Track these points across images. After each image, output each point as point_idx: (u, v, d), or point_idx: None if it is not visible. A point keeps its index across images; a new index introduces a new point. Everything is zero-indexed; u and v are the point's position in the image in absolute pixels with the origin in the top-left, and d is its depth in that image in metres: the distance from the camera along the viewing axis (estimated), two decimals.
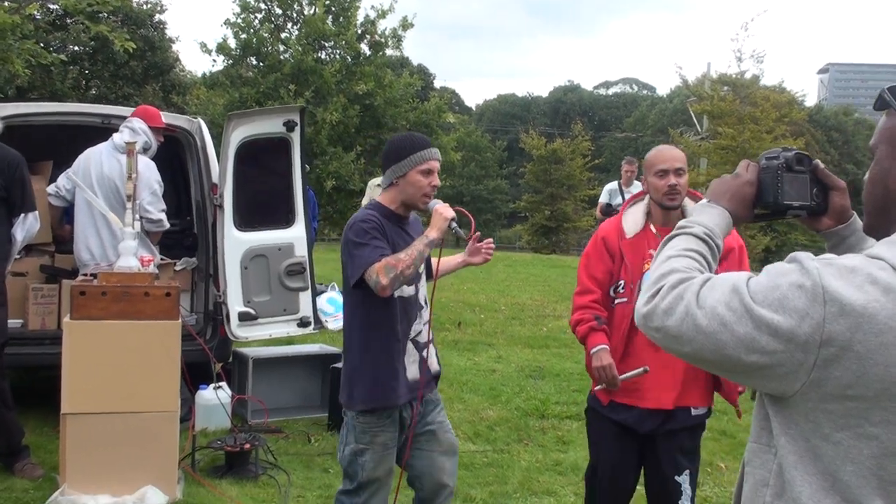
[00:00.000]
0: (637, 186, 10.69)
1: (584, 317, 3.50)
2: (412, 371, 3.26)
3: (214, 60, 25.67)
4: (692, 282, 1.57)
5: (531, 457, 5.50)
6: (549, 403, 6.68)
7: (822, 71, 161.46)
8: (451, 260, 3.66)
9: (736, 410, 3.69)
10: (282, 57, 24.51)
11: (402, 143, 3.27)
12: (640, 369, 3.38)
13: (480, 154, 54.99)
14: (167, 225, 5.57)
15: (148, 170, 5.26)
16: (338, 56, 24.94)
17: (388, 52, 25.55)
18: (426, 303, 3.37)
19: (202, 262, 6.28)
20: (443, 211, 3.16)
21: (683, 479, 3.48)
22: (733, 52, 27.83)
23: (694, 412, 3.49)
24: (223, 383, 5.80)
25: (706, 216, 1.78)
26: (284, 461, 5.16)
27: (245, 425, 5.79)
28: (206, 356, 5.69)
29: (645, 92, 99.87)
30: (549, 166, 40.30)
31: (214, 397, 5.68)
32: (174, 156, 6.77)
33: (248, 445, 4.95)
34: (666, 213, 3.46)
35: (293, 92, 22.49)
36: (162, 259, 5.89)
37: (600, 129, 73.50)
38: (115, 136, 5.47)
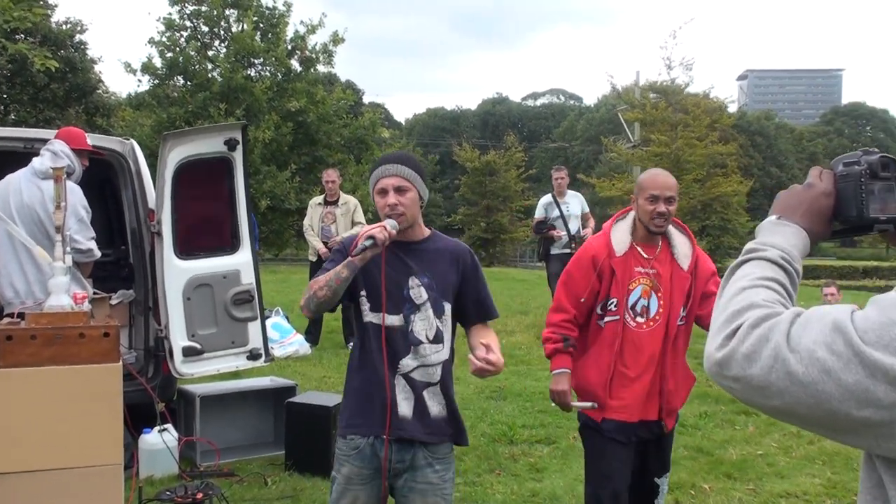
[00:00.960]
0: (572, 196, 10.46)
1: (553, 336, 3.57)
2: (402, 409, 2.94)
3: (140, 80, 24.85)
4: (779, 319, 1.27)
5: (505, 488, 5.17)
6: (515, 428, 6.36)
7: (741, 77, 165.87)
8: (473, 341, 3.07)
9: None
10: (210, 75, 23.86)
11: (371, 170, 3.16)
12: (590, 404, 3.51)
13: None
14: (98, 254, 5.07)
15: (72, 195, 4.77)
16: (268, 73, 24.42)
17: (320, 68, 25.13)
18: (435, 340, 2.97)
19: (140, 294, 5.81)
20: (361, 232, 2.90)
21: (663, 481, 3.68)
22: (663, 60, 28.07)
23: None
24: (168, 425, 5.35)
25: (779, 236, 1.48)
26: None
27: (195, 470, 5.34)
28: (149, 396, 5.25)
29: (572, 102, 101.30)
30: (483, 178, 40.24)
31: (159, 441, 5.22)
32: (106, 180, 6.29)
33: (200, 495, 4.50)
34: (650, 234, 3.52)
35: (223, 111, 21.91)
36: (95, 293, 5.41)
37: (530, 139, 74.05)
38: (36, 160, 4.97)
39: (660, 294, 3.46)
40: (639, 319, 3.47)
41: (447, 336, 3.01)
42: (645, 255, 3.49)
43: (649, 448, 3.59)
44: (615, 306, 3.46)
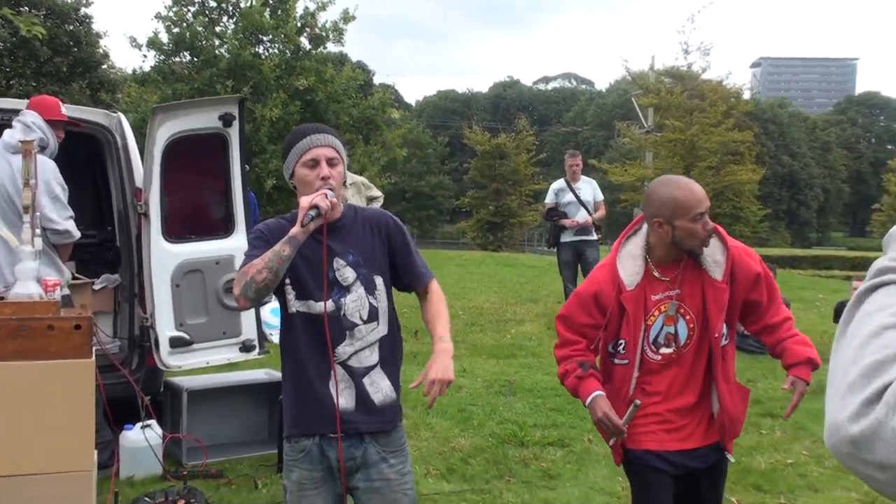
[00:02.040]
0: (585, 181, 9.99)
1: (569, 367, 3.04)
2: (342, 401, 2.71)
3: (145, 56, 24.48)
4: None
5: (516, 497, 4.77)
6: (526, 427, 5.96)
7: (754, 65, 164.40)
8: (431, 327, 2.85)
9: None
10: (217, 52, 23.35)
11: (286, 140, 2.84)
12: (632, 406, 2.91)
13: (422, 150, 54.26)
14: (77, 235, 4.64)
15: (45, 171, 4.35)
16: (277, 50, 23.92)
17: (330, 46, 24.63)
18: (370, 319, 2.77)
19: (126, 279, 5.42)
20: (303, 201, 2.63)
21: None
22: (680, 45, 27.47)
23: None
24: (152, 421, 4.98)
25: None
26: None
27: (179, 470, 4.95)
28: (132, 389, 4.88)
29: (584, 87, 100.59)
30: (493, 161, 39.77)
31: (142, 438, 4.85)
32: (93, 156, 5.89)
33: (182, 502, 4.13)
34: (677, 251, 2.95)
35: (230, 88, 21.43)
36: (77, 277, 5.03)
37: (541, 123, 73.39)
38: (6, 133, 4.56)
39: (688, 317, 2.96)
40: (664, 351, 2.98)
41: (383, 310, 2.81)
42: (663, 278, 2.97)
43: (702, 480, 3.10)
44: (624, 348, 2.98)
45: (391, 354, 2.83)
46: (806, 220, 69.85)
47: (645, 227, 3.03)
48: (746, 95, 40.20)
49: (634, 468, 3.07)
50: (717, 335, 2.95)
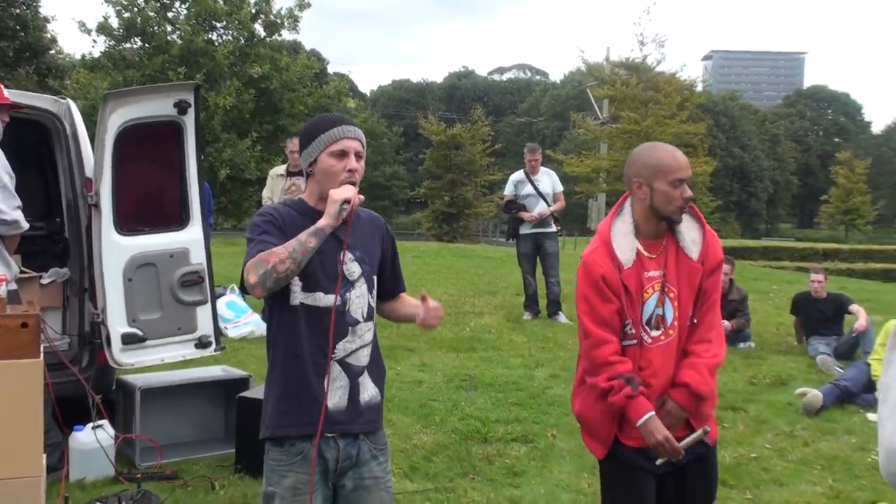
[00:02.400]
0: (544, 173, 9.98)
1: (615, 383, 2.86)
2: (336, 399, 2.64)
3: (95, 41, 23.93)
4: None
5: (481, 496, 4.66)
6: (489, 423, 5.86)
7: (706, 58, 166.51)
8: (405, 308, 2.97)
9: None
10: (169, 38, 22.94)
11: (310, 125, 2.81)
12: (700, 431, 2.83)
13: (377, 140, 53.99)
14: (25, 226, 4.38)
15: None
16: (230, 37, 23.55)
17: (285, 34, 24.34)
18: (368, 317, 2.75)
19: (75, 273, 5.21)
20: (335, 194, 2.58)
21: None
22: (636, 36, 27.71)
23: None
24: (104, 421, 4.78)
25: None
26: None
27: (133, 472, 4.76)
28: (82, 388, 4.69)
29: (538, 77, 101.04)
30: (448, 152, 39.69)
31: (93, 439, 4.66)
32: (40, 144, 5.65)
33: None
34: (658, 224, 2.92)
35: (183, 75, 21.06)
36: (23, 271, 4.81)
37: (496, 114, 73.55)
38: None
39: (672, 296, 2.90)
40: (654, 333, 2.89)
41: (374, 312, 2.82)
42: (651, 255, 2.91)
43: (688, 472, 2.98)
44: (631, 328, 2.88)
45: (378, 357, 2.81)
46: (756, 212, 70.98)
47: (628, 204, 2.98)
48: (699, 88, 40.66)
49: (619, 467, 2.97)
50: (686, 316, 2.91)
